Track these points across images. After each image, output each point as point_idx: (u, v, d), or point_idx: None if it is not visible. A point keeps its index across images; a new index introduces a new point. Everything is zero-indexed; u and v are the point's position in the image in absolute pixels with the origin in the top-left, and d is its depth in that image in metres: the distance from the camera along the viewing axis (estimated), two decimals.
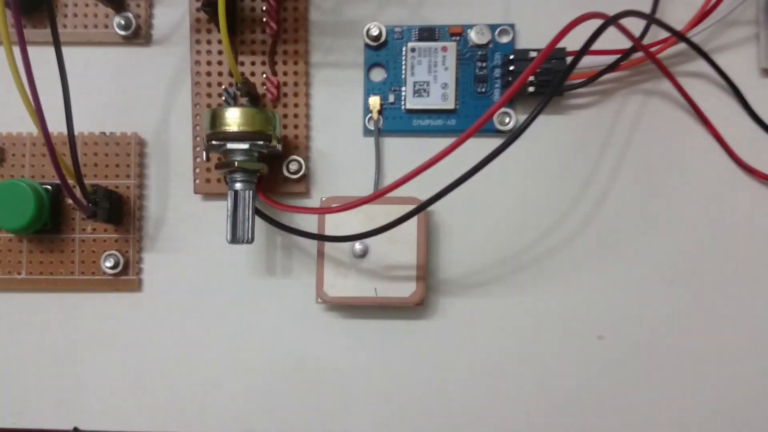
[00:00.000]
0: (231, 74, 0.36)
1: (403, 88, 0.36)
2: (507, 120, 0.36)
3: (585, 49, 0.30)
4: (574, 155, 0.36)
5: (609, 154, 0.36)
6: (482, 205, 0.36)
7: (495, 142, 0.36)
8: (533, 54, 0.35)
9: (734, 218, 0.35)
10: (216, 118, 0.33)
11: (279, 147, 0.34)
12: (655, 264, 0.35)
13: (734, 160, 0.35)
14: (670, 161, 0.36)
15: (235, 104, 0.36)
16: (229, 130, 0.33)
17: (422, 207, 0.31)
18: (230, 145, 0.33)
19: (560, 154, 0.36)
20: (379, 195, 0.31)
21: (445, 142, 0.32)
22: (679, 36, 0.33)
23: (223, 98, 0.36)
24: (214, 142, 0.33)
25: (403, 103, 0.36)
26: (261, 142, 0.33)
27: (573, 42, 0.31)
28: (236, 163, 0.33)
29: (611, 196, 0.36)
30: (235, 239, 0.33)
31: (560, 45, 0.30)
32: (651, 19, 0.32)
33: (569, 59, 0.34)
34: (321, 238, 0.34)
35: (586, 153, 0.36)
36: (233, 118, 0.33)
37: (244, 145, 0.33)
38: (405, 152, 0.37)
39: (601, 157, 0.36)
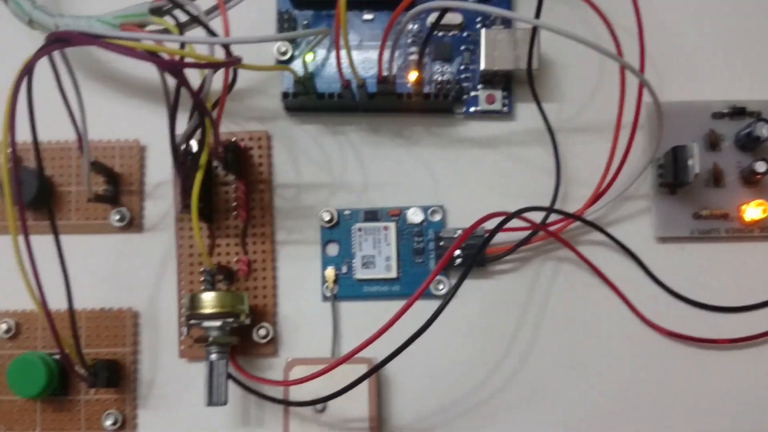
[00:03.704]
0: None
1: (354, 261, 0.43)
2: (441, 286, 0.42)
3: (492, 236, 0.37)
4: (499, 315, 0.42)
5: (530, 313, 0.42)
6: (424, 360, 0.42)
7: (432, 304, 0.42)
8: (459, 232, 0.41)
9: (639, 369, 0.41)
10: (194, 301, 0.39)
11: (248, 321, 0.40)
12: (573, 409, 0.41)
13: (638, 317, 0.41)
14: (582, 319, 0.42)
15: (213, 282, 0.42)
16: (204, 312, 0.39)
17: (376, 368, 0.37)
18: (206, 324, 0.39)
19: (489, 313, 0.42)
20: (340, 362, 0.37)
21: (390, 304, 0.42)
22: (575, 217, 0.40)
23: (203, 279, 0.43)
24: (192, 321, 0.39)
25: (354, 273, 0.43)
26: (231, 320, 0.39)
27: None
28: (211, 338, 0.39)
29: (534, 350, 0.42)
30: (211, 403, 0.39)
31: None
32: (548, 209, 0.39)
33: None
34: (285, 403, 0.40)
35: (510, 312, 0.42)
36: (208, 301, 0.39)
37: (218, 323, 0.39)
38: (357, 314, 0.43)
39: (523, 316, 0.42)
